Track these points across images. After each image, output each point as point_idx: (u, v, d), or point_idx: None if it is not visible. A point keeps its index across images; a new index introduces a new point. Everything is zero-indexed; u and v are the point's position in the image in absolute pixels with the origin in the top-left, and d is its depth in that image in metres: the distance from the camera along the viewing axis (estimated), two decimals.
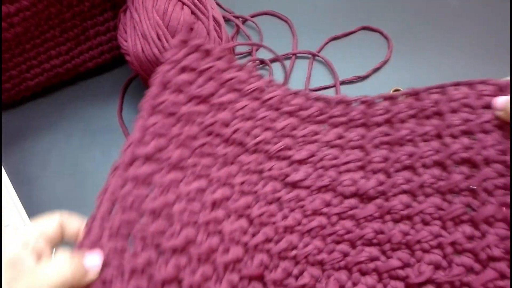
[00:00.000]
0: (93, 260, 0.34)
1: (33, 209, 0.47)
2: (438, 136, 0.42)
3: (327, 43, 0.66)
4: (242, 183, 0.43)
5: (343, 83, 0.62)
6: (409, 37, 0.67)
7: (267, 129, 0.44)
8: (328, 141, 0.44)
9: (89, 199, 0.36)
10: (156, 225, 0.38)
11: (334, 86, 0.61)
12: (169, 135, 0.42)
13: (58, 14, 0.53)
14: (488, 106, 0.40)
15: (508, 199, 0.37)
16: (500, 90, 0.41)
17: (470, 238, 0.38)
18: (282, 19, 0.69)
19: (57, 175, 0.53)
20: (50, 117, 0.58)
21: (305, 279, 0.41)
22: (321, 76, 0.63)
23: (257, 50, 0.65)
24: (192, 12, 0.50)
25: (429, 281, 0.38)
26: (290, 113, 0.45)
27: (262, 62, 0.63)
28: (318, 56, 0.64)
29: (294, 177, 0.44)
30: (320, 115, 0.45)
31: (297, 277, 0.41)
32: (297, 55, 0.64)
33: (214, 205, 0.42)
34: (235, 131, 0.43)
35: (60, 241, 0.35)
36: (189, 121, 0.42)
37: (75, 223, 0.36)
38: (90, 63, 0.59)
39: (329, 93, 0.61)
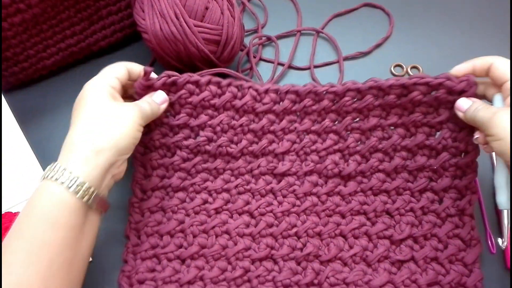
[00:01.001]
0: (160, 95, 0.48)
1: None
2: (403, 125, 0.50)
3: (330, 20, 0.68)
4: (237, 185, 0.51)
5: (346, 59, 0.64)
6: (410, 14, 0.69)
7: (247, 132, 0.51)
8: (305, 129, 0.51)
9: None
10: (174, 243, 0.49)
11: (337, 62, 0.64)
12: (165, 164, 0.51)
13: None
14: (442, 103, 0.49)
15: (459, 173, 0.50)
16: (459, 92, 0.47)
17: (433, 202, 0.50)
18: None
19: None
20: (66, 95, 0.60)
21: (308, 249, 0.49)
22: (325, 52, 0.65)
23: (263, 27, 0.67)
24: None
25: (408, 237, 0.49)
26: (265, 112, 0.51)
27: (269, 38, 0.65)
28: (322, 33, 0.66)
29: (281, 168, 0.51)
30: (293, 107, 0.51)
31: (301, 249, 0.48)
32: (302, 32, 0.67)
33: (217, 211, 0.50)
34: (219, 146, 0.50)
35: (127, 81, 0.47)
36: (177, 147, 0.51)
37: (136, 67, 0.48)
38: (102, 42, 0.62)
39: (333, 69, 0.64)
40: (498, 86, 0.45)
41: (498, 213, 0.53)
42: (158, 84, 0.48)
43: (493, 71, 0.44)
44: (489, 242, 0.52)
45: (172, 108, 0.49)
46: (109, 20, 0.60)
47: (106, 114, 0.42)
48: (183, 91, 0.48)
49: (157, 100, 0.47)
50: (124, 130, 0.42)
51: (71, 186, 0.39)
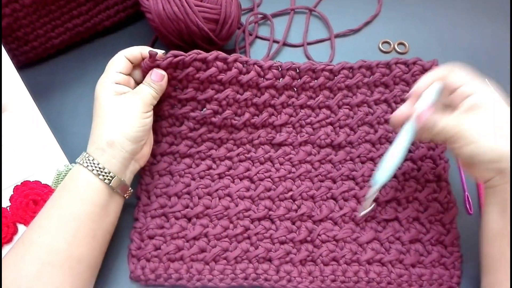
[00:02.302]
0: (156, 74, 0.50)
1: (66, 153, 0.54)
2: (385, 101, 0.58)
3: None
4: (238, 154, 0.56)
5: (337, 36, 0.68)
6: None
7: (250, 105, 0.56)
8: (301, 104, 0.57)
9: None
10: (181, 203, 0.53)
11: (329, 39, 0.68)
12: (174, 132, 0.55)
13: None
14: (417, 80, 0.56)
15: (432, 145, 0.56)
16: (425, 70, 0.57)
17: (412, 169, 0.56)
18: None
19: (85, 122, 0.60)
20: (75, 72, 0.64)
21: (302, 210, 0.54)
22: (317, 30, 0.69)
23: (258, 5, 0.70)
24: None
25: (392, 199, 0.55)
26: (267, 87, 0.55)
27: (264, 17, 0.68)
28: (315, 11, 0.70)
29: (279, 138, 0.56)
30: (293, 83, 0.56)
31: (296, 210, 0.53)
32: (295, 10, 0.70)
33: (220, 176, 0.55)
34: (224, 118, 0.55)
35: (130, 67, 0.51)
36: (185, 118, 0.55)
37: (135, 50, 0.51)
38: (107, 21, 0.65)
39: (325, 45, 0.67)
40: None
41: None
42: (163, 64, 0.51)
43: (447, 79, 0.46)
44: (467, 204, 0.57)
45: (179, 82, 0.53)
46: (113, 1, 0.63)
47: (111, 111, 0.48)
48: (190, 69, 0.52)
49: (155, 79, 0.50)
50: (129, 122, 0.48)
51: (93, 170, 0.46)
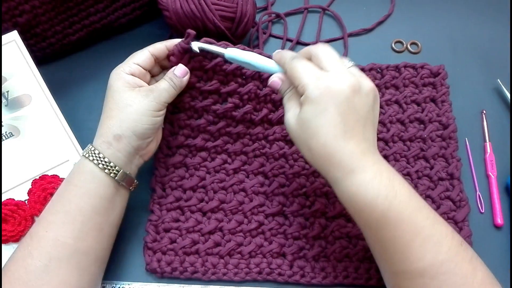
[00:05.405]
0: (181, 68, 0.50)
1: (83, 148, 0.55)
2: (396, 102, 0.59)
3: None
4: (254, 149, 0.56)
5: (350, 35, 0.68)
6: None
7: (269, 101, 0.56)
8: None
9: None
10: (196, 197, 0.54)
11: (342, 38, 0.68)
12: (192, 125, 0.55)
13: None
14: (426, 84, 0.60)
15: (444, 144, 0.57)
16: (432, 74, 0.61)
17: (425, 168, 0.57)
18: None
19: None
20: (90, 69, 0.65)
21: (316, 206, 0.54)
22: (330, 28, 0.70)
23: (272, 4, 0.71)
24: None
25: None
26: None
27: (278, 15, 0.69)
28: (328, 10, 0.70)
29: None
30: None
31: (310, 207, 0.53)
32: (309, 9, 0.71)
33: (235, 171, 0.56)
34: (244, 113, 0.55)
35: (152, 63, 0.51)
36: (205, 111, 0.55)
37: (159, 45, 0.51)
38: (123, 19, 0.66)
39: (338, 44, 0.68)
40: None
41: (488, 177, 0.58)
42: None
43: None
44: (479, 203, 0.57)
45: (205, 73, 0.53)
46: None
47: (123, 105, 0.47)
48: (219, 59, 0.51)
49: (178, 74, 0.50)
50: (140, 119, 0.47)
51: (99, 164, 0.46)
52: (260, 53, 0.49)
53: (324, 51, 0.43)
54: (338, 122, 0.40)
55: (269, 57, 0.49)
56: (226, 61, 0.51)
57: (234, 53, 0.49)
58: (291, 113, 0.43)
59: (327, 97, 0.40)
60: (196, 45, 0.49)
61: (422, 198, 0.43)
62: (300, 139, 0.43)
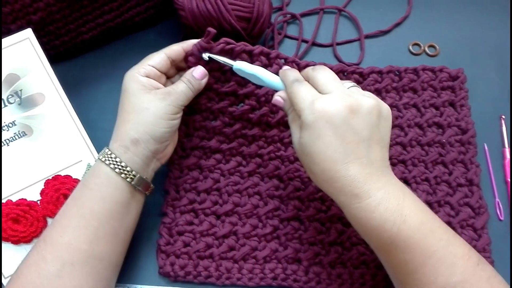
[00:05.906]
0: (199, 70, 0.49)
1: (96, 148, 0.55)
2: (415, 106, 0.58)
3: None
4: (269, 152, 0.55)
5: (367, 37, 0.67)
6: None
7: None
8: None
9: None
10: (210, 199, 0.53)
11: (359, 39, 0.67)
12: (207, 127, 0.54)
13: None
14: (444, 88, 0.59)
15: (463, 149, 0.56)
16: (451, 77, 0.60)
17: (444, 173, 0.56)
18: None
19: (114, 118, 0.60)
20: (104, 68, 0.65)
21: (332, 212, 0.53)
22: (346, 30, 0.69)
23: (287, 5, 0.70)
24: None
25: (424, 202, 0.47)
26: None
27: (293, 16, 0.68)
28: (344, 11, 0.69)
29: None
30: None
31: (326, 212, 0.52)
32: (324, 10, 0.70)
33: (249, 174, 0.55)
34: (261, 115, 0.54)
35: (168, 64, 0.50)
36: (221, 112, 0.54)
37: (175, 46, 0.50)
38: (137, 18, 0.65)
39: (354, 46, 0.67)
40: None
41: (507, 184, 0.57)
42: (216, 49, 0.49)
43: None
44: (498, 210, 0.56)
45: (223, 75, 0.52)
46: None
47: (140, 108, 0.46)
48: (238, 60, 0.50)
49: (196, 76, 0.49)
50: (156, 122, 0.46)
51: (115, 168, 0.45)
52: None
53: (321, 74, 0.43)
54: (337, 146, 0.39)
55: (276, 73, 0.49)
56: (233, 73, 0.51)
57: (243, 66, 0.48)
58: (295, 136, 0.44)
59: (322, 121, 0.39)
60: (205, 55, 0.49)
61: (438, 217, 0.42)
62: (304, 163, 0.43)
